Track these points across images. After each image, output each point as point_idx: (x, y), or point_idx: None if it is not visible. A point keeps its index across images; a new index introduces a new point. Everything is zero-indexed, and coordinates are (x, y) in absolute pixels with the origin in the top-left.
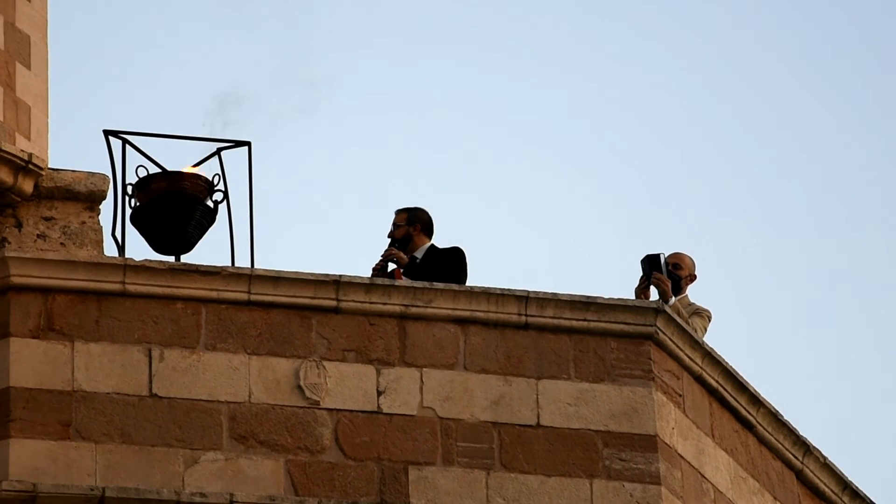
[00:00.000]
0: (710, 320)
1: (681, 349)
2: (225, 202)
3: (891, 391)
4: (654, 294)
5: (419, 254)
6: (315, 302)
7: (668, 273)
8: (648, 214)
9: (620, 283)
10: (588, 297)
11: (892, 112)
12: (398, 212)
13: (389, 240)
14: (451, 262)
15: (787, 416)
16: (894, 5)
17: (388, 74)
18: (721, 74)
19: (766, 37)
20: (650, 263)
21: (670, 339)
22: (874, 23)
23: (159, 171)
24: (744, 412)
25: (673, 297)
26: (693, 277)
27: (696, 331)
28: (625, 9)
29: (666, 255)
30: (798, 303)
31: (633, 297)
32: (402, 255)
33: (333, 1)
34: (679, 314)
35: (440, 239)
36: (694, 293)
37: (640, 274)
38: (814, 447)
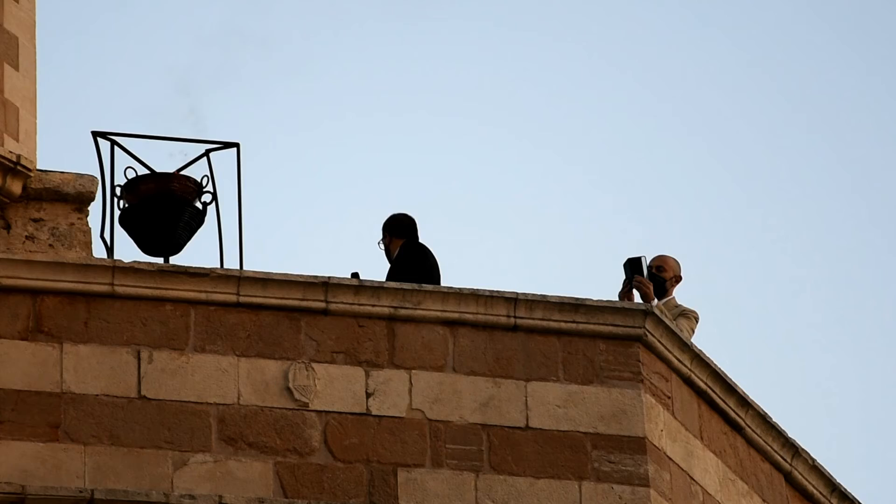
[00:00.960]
0: (697, 321)
1: (669, 351)
2: (214, 204)
3: (880, 393)
4: (636, 297)
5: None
6: (304, 304)
7: (651, 276)
8: (638, 216)
9: (609, 285)
10: (577, 299)
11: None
12: (383, 224)
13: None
14: (411, 259)
15: (776, 418)
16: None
17: (378, 74)
18: (708, 74)
19: (764, 38)
20: (632, 266)
21: (659, 342)
22: (873, 18)
23: (148, 172)
24: (732, 414)
25: (655, 300)
26: (678, 279)
27: (681, 332)
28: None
29: (648, 259)
30: (788, 305)
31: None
32: (649, 285)
33: None
34: (664, 316)
35: (429, 239)
36: (682, 295)
37: (623, 277)
38: (802, 449)
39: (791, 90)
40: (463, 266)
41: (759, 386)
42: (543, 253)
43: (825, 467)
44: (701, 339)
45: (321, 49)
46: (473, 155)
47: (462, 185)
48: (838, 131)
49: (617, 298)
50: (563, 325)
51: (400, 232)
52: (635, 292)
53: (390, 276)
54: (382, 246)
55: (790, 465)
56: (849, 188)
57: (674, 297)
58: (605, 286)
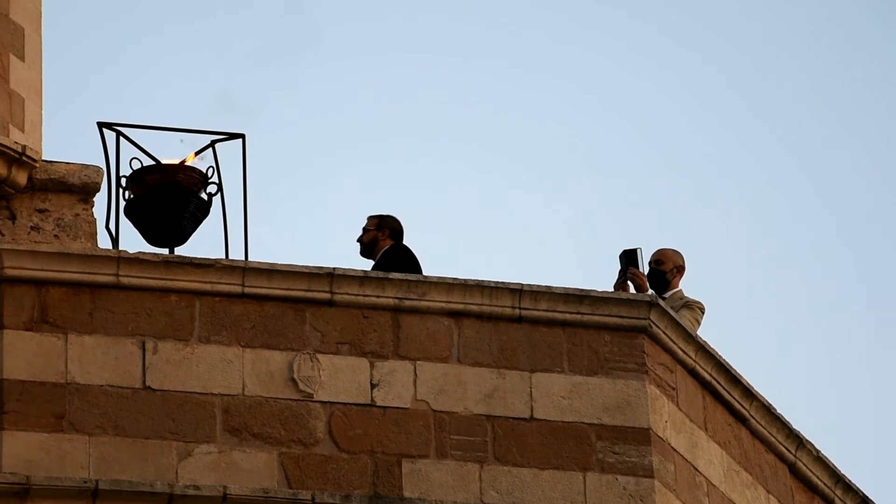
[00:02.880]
0: (703, 313)
1: (674, 342)
2: (219, 194)
3: (884, 384)
4: (631, 289)
5: (377, 258)
6: (309, 295)
7: (651, 272)
8: (643, 208)
9: (614, 276)
10: (582, 290)
11: (883, 110)
12: (370, 217)
13: (358, 244)
14: (397, 260)
15: (781, 409)
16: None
17: (381, 65)
18: (706, 71)
19: (758, 38)
20: (627, 258)
21: (664, 333)
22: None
23: (153, 163)
24: (737, 405)
25: (651, 291)
26: (680, 269)
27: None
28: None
29: (644, 250)
30: (791, 296)
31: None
32: (644, 276)
33: None
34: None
35: (434, 229)
36: (689, 286)
37: (619, 269)
38: (807, 440)
39: (778, 87)
40: (468, 257)
41: (763, 377)
42: (549, 244)
43: (829, 458)
44: (706, 331)
45: (328, 37)
46: (479, 145)
47: (468, 175)
48: (843, 121)
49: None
50: (567, 316)
51: (394, 233)
52: (630, 284)
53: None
54: (366, 237)
55: (794, 456)
56: (852, 178)
57: (680, 290)
58: (610, 278)
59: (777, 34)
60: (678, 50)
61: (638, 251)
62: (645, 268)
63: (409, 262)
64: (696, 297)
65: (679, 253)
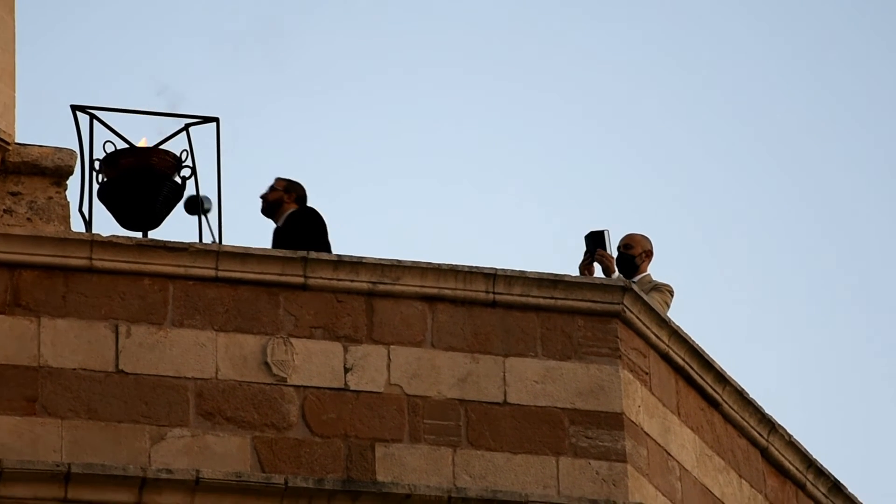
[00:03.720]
0: (672, 295)
1: (647, 327)
2: (193, 178)
3: (855, 369)
4: (598, 271)
5: (282, 221)
6: (283, 279)
7: (621, 256)
8: (616, 192)
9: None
10: (555, 275)
11: (861, 103)
12: (278, 178)
13: (260, 201)
14: (307, 222)
15: (753, 394)
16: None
17: (356, 49)
18: (685, 55)
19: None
20: (594, 240)
21: (637, 318)
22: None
23: (127, 146)
24: (709, 390)
25: (617, 272)
26: (648, 253)
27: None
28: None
29: (609, 232)
30: (763, 281)
31: (601, 275)
32: (611, 258)
33: None
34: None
35: (410, 213)
36: (662, 272)
37: (585, 250)
38: (779, 425)
39: (751, 84)
40: (442, 242)
41: (736, 362)
42: (523, 229)
43: (801, 443)
44: (679, 316)
45: (304, 25)
46: (453, 133)
47: (441, 161)
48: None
49: (596, 274)
50: (541, 300)
51: (299, 198)
52: (597, 266)
53: (286, 234)
54: (271, 195)
55: (767, 440)
56: (828, 161)
57: (649, 274)
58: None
59: (747, 29)
60: (647, 44)
61: (605, 233)
62: (612, 249)
63: (317, 225)
64: (669, 280)
65: (647, 238)
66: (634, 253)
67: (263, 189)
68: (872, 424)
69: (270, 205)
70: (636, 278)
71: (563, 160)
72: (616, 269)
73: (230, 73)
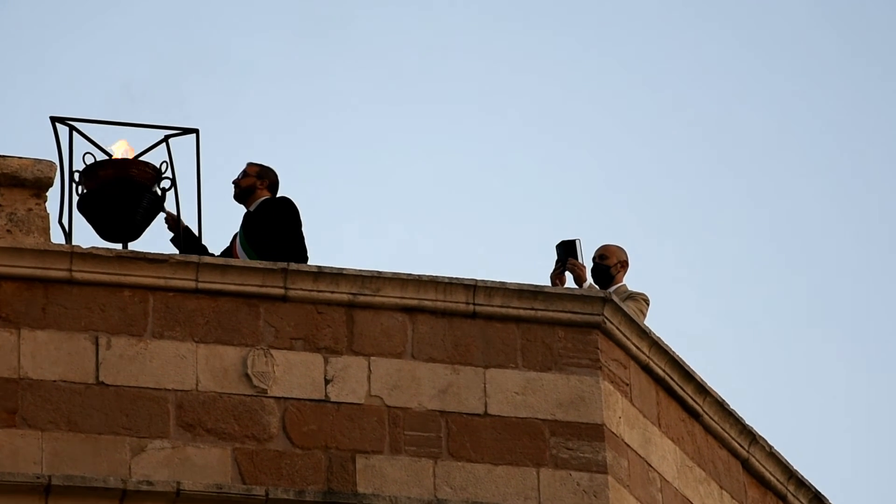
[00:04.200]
0: (648, 304)
1: (628, 338)
2: (172, 190)
3: (837, 380)
4: (569, 280)
5: (254, 207)
6: (263, 290)
7: (595, 267)
8: (596, 204)
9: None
10: (536, 286)
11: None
12: (251, 164)
13: (233, 186)
14: (281, 211)
15: (734, 405)
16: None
17: (332, 56)
18: (655, 64)
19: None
20: (565, 249)
21: (617, 329)
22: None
23: (106, 158)
24: (690, 401)
25: (589, 281)
26: (624, 264)
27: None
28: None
29: (581, 241)
30: (746, 293)
31: (573, 284)
32: (583, 268)
33: None
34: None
35: (392, 224)
36: (641, 284)
37: (556, 259)
38: (760, 436)
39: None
40: (422, 253)
41: (716, 373)
42: (503, 240)
43: (782, 454)
44: (659, 327)
45: (276, 34)
46: (436, 143)
47: (423, 171)
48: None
49: (575, 285)
50: (521, 312)
51: (272, 184)
52: (568, 275)
53: (258, 220)
54: (244, 182)
55: (748, 451)
56: (809, 168)
57: (624, 284)
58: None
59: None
60: (608, 57)
61: (577, 242)
62: (583, 259)
63: (291, 215)
64: (650, 292)
65: (622, 249)
66: (609, 263)
67: (235, 175)
68: (855, 435)
69: (243, 191)
70: (611, 289)
71: (543, 170)
72: (588, 278)
73: (204, 84)
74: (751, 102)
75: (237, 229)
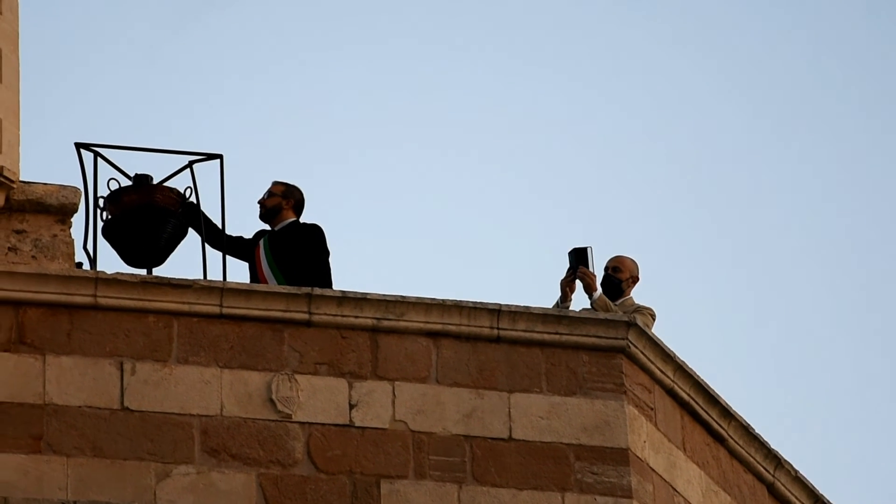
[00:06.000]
0: (654, 319)
1: (652, 362)
2: (198, 214)
3: (862, 404)
4: (579, 288)
5: (280, 227)
6: (287, 315)
7: (607, 277)
8: (618, 227)
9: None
10: (560, 310)
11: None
12: (276, 183)
13: (259, 206)
14: (310, 238)
15: (759, 429)
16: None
17: (357, 76)
18: (670, 68)
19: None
20: (577, 257)
21: (642, 353)
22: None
23: (131, 183)
24: (715, 425)
25: (599, 290)
26: (635, 279)
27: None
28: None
29: (592, 249)
30: (770, 317)
31: (582, 292)
32: (594, 276)
33: None
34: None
35: (415, 248)
36: (657, 301)
37: (567, 266)
38: (785, 460)
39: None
40: (447, 277)
41: (741, 397)
42: (527, 264)
43: (808, 478)
44: (683, 351)
45: (302, 53)
46: (457, 167)
47: (445, 197)
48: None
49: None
50: (546, 336)
51: (297, 203)
52: (578, 283)
53: (284, 243)
54: (270, 201)
55: (773, 476)
56: (834, 186)
57: (631, 298)
58: (584, 298)
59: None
60: (636, 56)
61: (588, 250)
62: (594, 267)
63: (320, 244)
64: (662, 309)
65: (636, 263)
66: (622, 277)
67: (261, 194)
68: (882, 459)
69: (269, 210)
70: (618, 302)
71: (570, 192)
72: (599, 287)
73: (223, 107)
74: (771, 117)
75: (256, 237)
